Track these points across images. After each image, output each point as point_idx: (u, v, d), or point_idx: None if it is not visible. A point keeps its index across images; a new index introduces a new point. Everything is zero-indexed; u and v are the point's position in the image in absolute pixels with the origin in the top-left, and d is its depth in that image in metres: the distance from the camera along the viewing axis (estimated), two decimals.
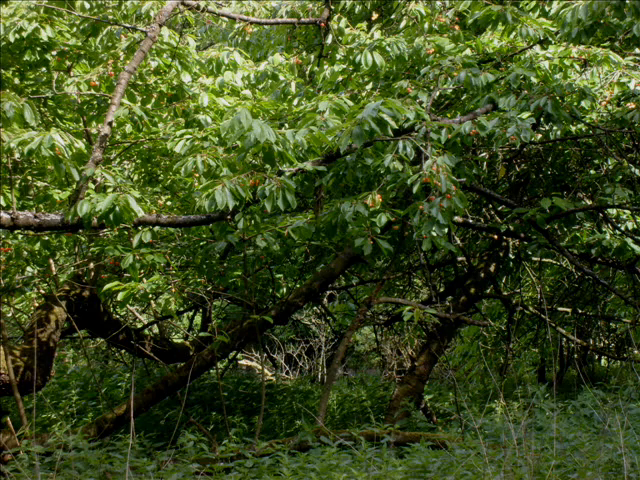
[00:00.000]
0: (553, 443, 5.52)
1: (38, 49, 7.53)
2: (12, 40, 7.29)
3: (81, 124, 8.44)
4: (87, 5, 7.87)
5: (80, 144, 6.46)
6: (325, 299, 13.29)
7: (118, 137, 8.69)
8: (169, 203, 8.53)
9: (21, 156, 6.08)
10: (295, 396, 12.92)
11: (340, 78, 8.28)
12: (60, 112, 8.26)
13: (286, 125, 7.52)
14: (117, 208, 5.96)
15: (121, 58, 7.80)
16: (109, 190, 6.56)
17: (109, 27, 7.95)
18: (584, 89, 7.17)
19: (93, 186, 6.84)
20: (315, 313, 15.71)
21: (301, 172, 6.32)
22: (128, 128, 8.33)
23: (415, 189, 6.08)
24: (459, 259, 11.06)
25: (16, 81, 7.91)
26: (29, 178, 7.70)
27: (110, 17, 8.03)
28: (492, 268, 10.41)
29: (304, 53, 9.32)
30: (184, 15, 7.88)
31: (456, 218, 7.96)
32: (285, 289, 10.19)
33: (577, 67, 7.41)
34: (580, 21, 6.64)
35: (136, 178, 9.31)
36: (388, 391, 12.93)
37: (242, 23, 8.75)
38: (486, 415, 8.55)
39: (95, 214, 5.99)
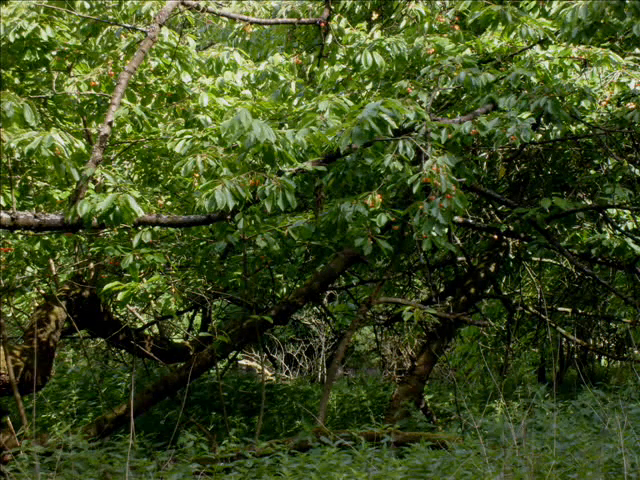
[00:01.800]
0: (553, 443, 5.51)
1: (38, 49, 7.54)
2: (12, 40, 7.30)
3: (81, 124, 8.44)
4: (87, 5, 7.88)
5: (80, 144, 6.46)
6: (325, 299, 13.28)
7: (118, 137, 8.69)
8: (169, 203, 8.53)
9: (21, 156, 6.08)
10: (295, 396, 12.91)
11: (340, 78, 8.28)
12: (60, 112, 8.26)
13: (286, 125, 7.52)
14: (117, 208, 5.96)
15: (121, 58, 7.81)
16: (109, 190, 6.56)
17: (109, 27, 7.96)
18: (584, 89, 7.16)
19: (93, 186, 6.83)
20: (315, 313, 15.69)
21: (301, 172, 6.32)
22: (128, 128, 8.33)
23: (415, 189, 6.08)
24: (459, 259, 11.05)
25: (16, 81, 7.91)
26: (29, 178, 7.69)
27: (110, 17, 8.04)
28: (492, 268, 10.41)
29: (304, 53, 9.31)
30: (184, 15, 7.89)
31: (456, 218, 7.95)
32: (285, 289, 10.18)
33: (577, 67, 7.40)
34: (580, 21, 6.63)
35: (136, 178, 9.31)
36: (388, 391, 12.93)
37: (242, 23, 8.75)
38: (486, 415, 8.53)
39: (95, 214, 5.99)
